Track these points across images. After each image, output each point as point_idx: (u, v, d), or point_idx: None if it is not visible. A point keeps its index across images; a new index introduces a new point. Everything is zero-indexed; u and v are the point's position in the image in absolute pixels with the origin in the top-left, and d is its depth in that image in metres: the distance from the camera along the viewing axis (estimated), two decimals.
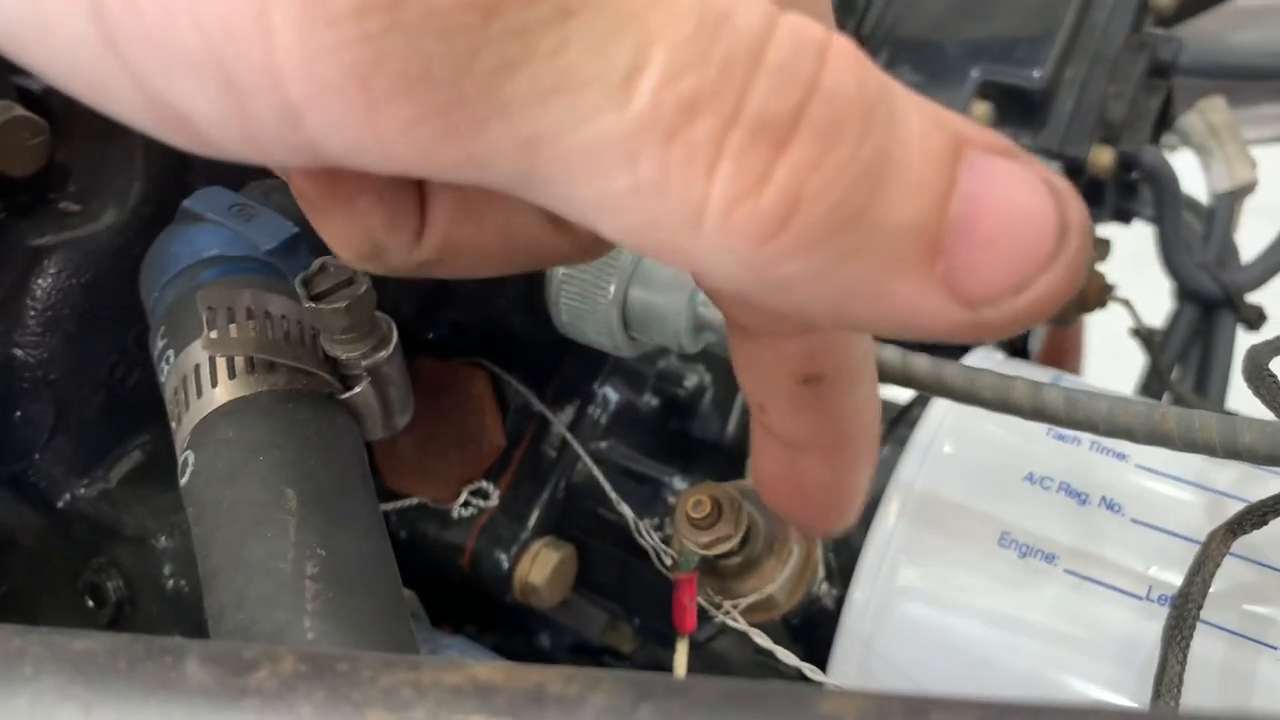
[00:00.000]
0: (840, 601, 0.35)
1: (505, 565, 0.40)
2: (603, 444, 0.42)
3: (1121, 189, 0.54)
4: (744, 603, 0.35)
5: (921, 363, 0.33)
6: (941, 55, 0.51)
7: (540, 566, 0.40)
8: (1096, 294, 0.50)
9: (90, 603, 0.33)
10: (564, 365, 0.42)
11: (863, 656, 0.34)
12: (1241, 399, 0.36)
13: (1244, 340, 0.54)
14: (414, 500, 0.40)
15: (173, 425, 0.28)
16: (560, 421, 0.41)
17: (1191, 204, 0.59)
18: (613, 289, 0.35)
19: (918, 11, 0.52)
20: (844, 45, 0.15)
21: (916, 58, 0.51)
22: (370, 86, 0.14)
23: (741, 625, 0.34)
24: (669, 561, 0.36)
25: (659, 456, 0.42)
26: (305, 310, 0.27)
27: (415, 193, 0.20)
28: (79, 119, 0.34)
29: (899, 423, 0.40)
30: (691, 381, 0.45)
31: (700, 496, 0.34)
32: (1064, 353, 0.74)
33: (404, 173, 0.16)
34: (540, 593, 0.39)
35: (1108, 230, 0.58)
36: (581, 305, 0.36)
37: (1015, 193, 0.15)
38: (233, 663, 0.15)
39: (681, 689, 0.14)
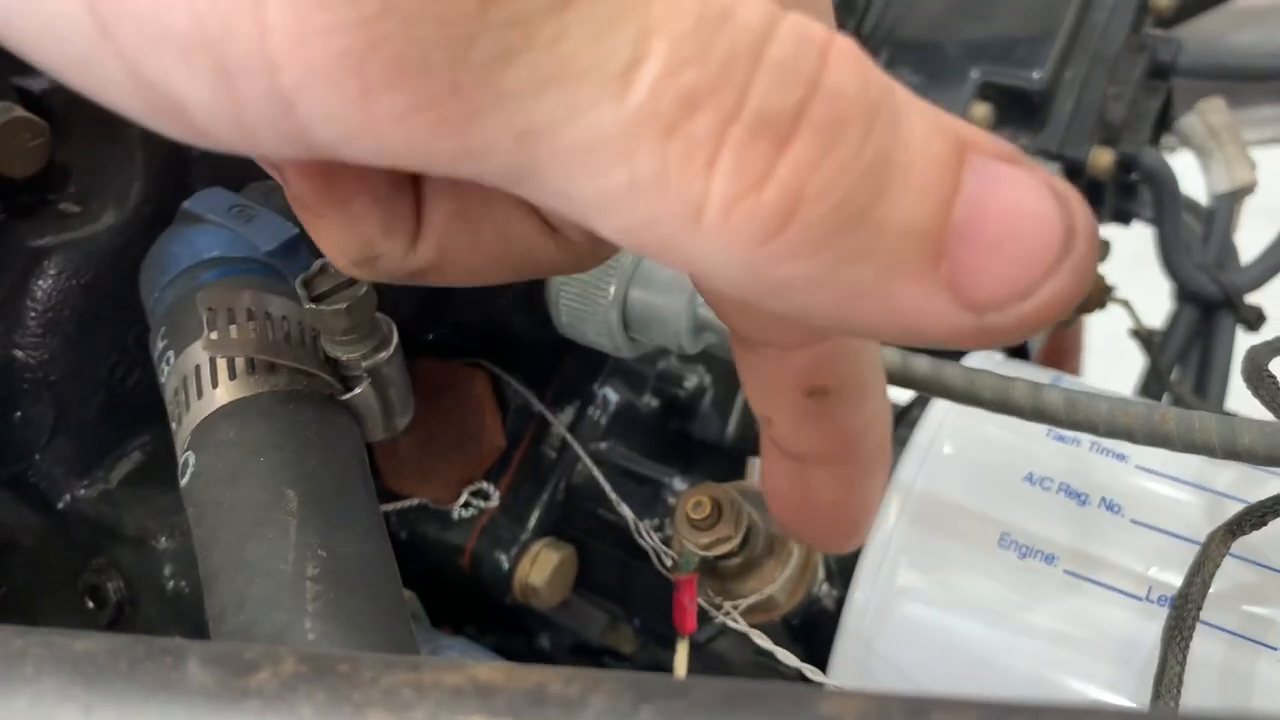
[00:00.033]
0: (840, 602, 0.35)
1: (505, 566, 0.40)
2: (603, 445, 0.42)
3: (1121, 190, 0.54)
4: (744, 603, 0.35)
5: (921, 363, 0.33)
6: (941, 56, 0.51)
7: (540, 567, 0.40)
8: (1096, 295, 0.50)
9: (90, 604, 0.33)
10: (564, 366, 0.42)
11: (863, 657, 0.35)
12: (1241, 400, 0.36)
13: (1243, 341, 0.54)
14: (414, 501, 0.40)
15: (173, 426, 0.28)
16: (560, 422, 0.41)
17: (1191, 205, 0.59)
18: (613, 290, 0.35)
19: (918, 12, 0.52)
20: (846, 45, 0.15)
21: (916, 58, 0.51)
22: (364, 73, 0.14)
23: (742, 626, 0.34)
24: (669, 562, 0.36)
25: (659, 457, 0.42)
26: (306, 311, 0.27)
27: (411, 198, 0.20)
28: (79, 120, 0.34)
29: (899, 423, 0.40)
30: (691, 382, 0.45)
31: (700, 497, 0.34)
32: (1064, 353, 0.74)
33: (397, 164, 0.15)
34: (540, 593, 0.39)
35: (1107, 231, 0.58)
36: (581, 306, 0.36)
37: (1020, 197, 0.15)
38: (233, 664, 0.15)
39: (682, 690, 0.14)
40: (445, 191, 0.20)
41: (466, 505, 0.40)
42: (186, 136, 0.16)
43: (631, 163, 0.14)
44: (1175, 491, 0.34)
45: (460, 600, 0.42)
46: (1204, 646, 0.30)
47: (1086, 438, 0.35)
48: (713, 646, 0.39)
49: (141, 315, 0.32)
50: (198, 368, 0.27)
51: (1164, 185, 0.53)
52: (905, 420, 0.39)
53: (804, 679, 0.33)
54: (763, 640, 0.33)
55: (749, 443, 0.44)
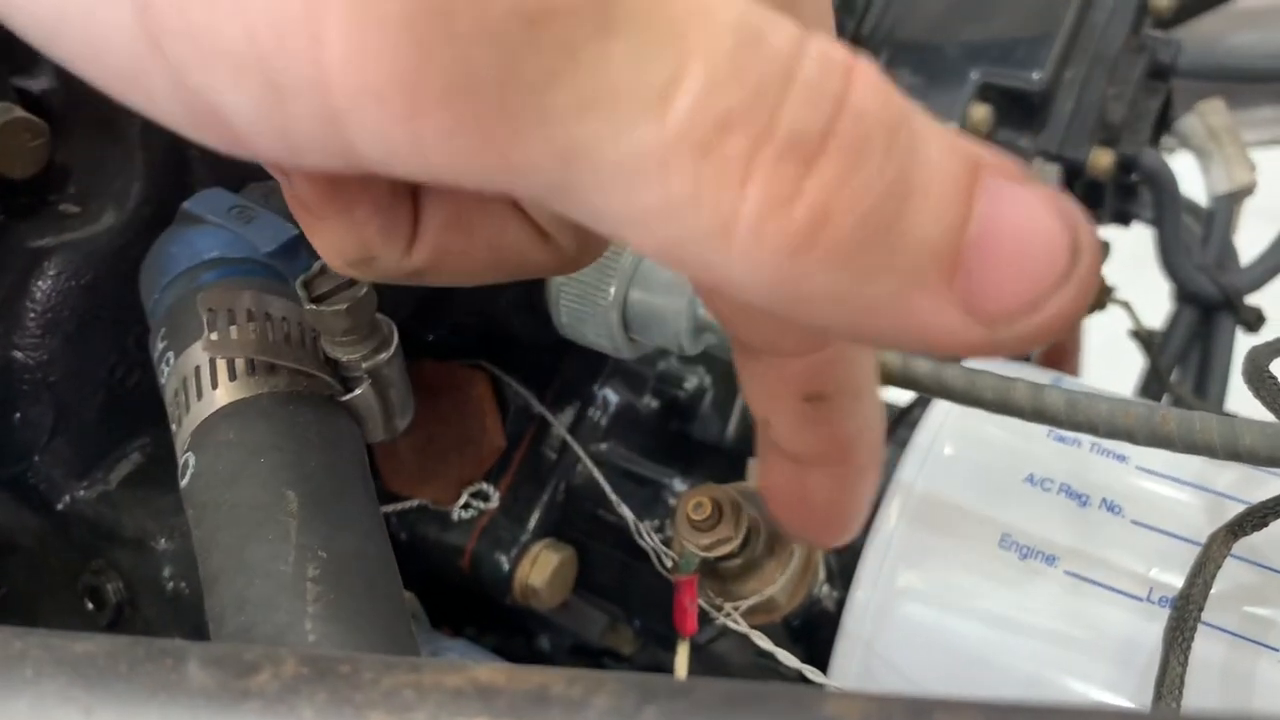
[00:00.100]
0: (841, 603, 0.35)
1: (505, 567, 0.40)
2: (603, 446, 0.42)
3: (1121, 191, 0.54)
4: (745, 605, 0.35)
5: (922, 364, 0.33)
6: (941, 57, 0.51)
7: (540, 568, 0.39)
8: (1096, 296, 0.50)
9: (90, 605, 0.33)
10: (564, 367, 0.42)
11: (863, 658, 0.34)
12: (1240, 401, 0.36)
13: (1243, 342, 0.54)
14: (414, 502, 0.40)
15: (173, 427, 0.28)
16: (560, 423, 0.41)
17: (1191, 206, 0.59)
18: (613, 291, 0.35)
19: (917, 13, 0.52)
20: (868, 66, 0.16)
21: (916, 59, 0.51)
22: (415, 93, 0.14)
23: (742, 627, 0.34)
24: (669, 563, 0.36)
25: (659, 458, 0.42)
26: (306, 312, 0.27)
27: (410, 202, 0.20)
28: (79, 121, 0.34)
29: (899, 424, 0.40)
30: (691, 383, 0.45)
31: (701, 498, 0.34)
32: (1063, 354, 0.74)
33: (438, 179, 0.16)
34: (540, 595, 0.39)
35: (1107, 232, 0.58)
36: (582, 307, 0.36)
37: (1030, 215, 0.16)
38: (234, 665, 0.15)
39: (684, 690, 0.14)
40: (442, 197, 0.21)
41: (466, 506, 0.40)
42: (226, 147, 0.16)
43: (666, 181, 0.15)
44: (1176, 492, 0.34)
45: (460, 601, 0.42)
46: (1205, 647, 0.30)
47: (1087, 439, 0.35)
48: (713, 648, 0.39)
49: (141, 316, 0.32)
50: (198, 369, 0.27)
51: (1164, 186, 0.53)
52: (906, 421, 0.39)
53: (804, 680, 0.33)
54: (763, 641, 0.33)
55: (749, 444, 0.44)
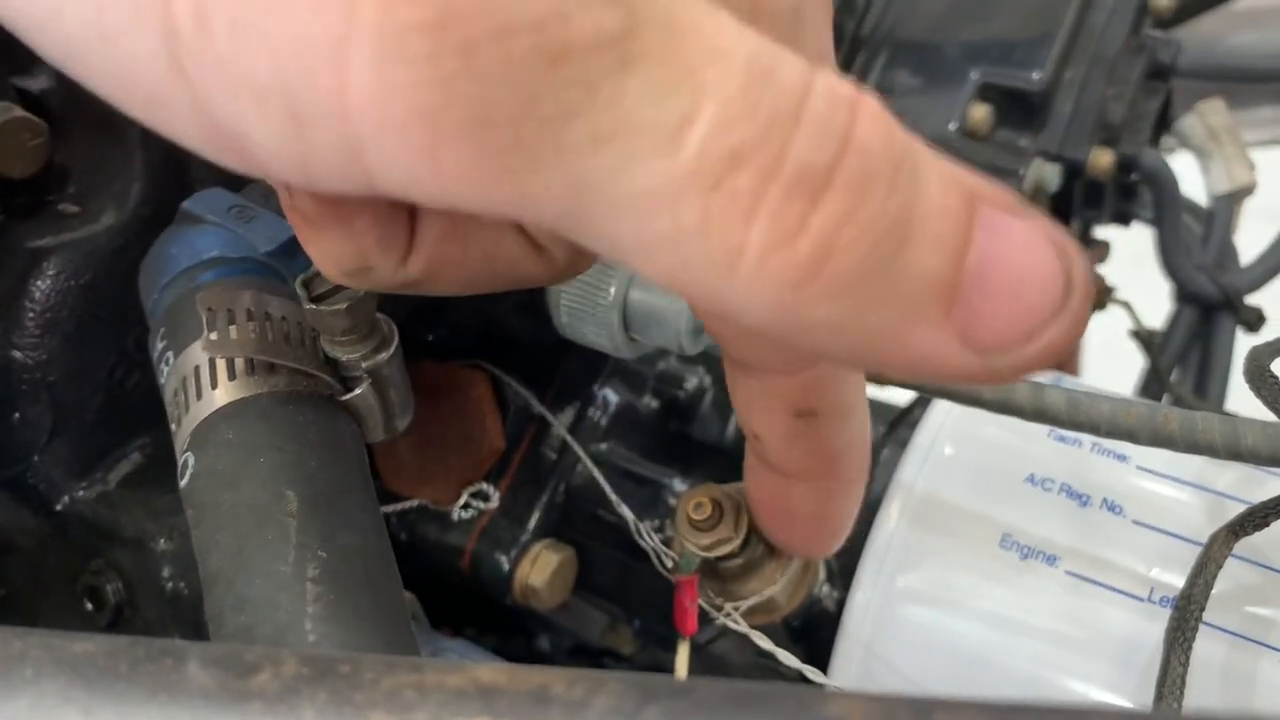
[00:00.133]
0: (841, 603, 0.35)
1: (505, 567, 0.40)
2: (603, 446, 0.42)
3: (1121, 191, 0.54)
4: (745, 605, 0.34)
5: None
6: (941, 57, 0.51)
7: (540, 569, 0.39)
8: (1096, 296, 0.50)
9: (89, 605, 0.33)
10: (564, 367, 0.42)
11: (863, 659, 0.34)
12: (1240, 401, 0.36)
13: (1243, 342, 0.54)
14: (414, 502, 0.40)
15: (172, 427, 0.28)
16: (560, 423, 0.41)
17: (1190, 206, 0.59)
18: (613, 291, 0.35)
19: (917, 13, 0.52)
20: (871, 101, 0.16)
21: (916, 59, 0.51)
22: (436, 127, 0.15)
23: (743, 627, 0.34)
24: (670, 563, 0.35)
25: (659, 458, 0.42)
26: (306, 312, 0.27)
27: (407, 215, 0.21)
28: (78, 120, 0.34)
29: (899, 424, 0.40)
30: (691, 383, 0.45)
31: (701, 498, 0.34)
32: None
33: (452, 206, 0.16)
34: (540, 595, 0.39)
35: (1107, 232, 0.58)
36: (582, 307, 0.36)
37: (1025, 248, 0.16)
38: (234, 665, 0.15)
39: (685, 690, 0.14)
40: (440, 212, 0.21)
41: (466, 506, 0.40)
42: (245, 169, 0.17)
43: (676, 212, 0.15)
44: (1177, 492, 0.34)
45: (460, 602, 0.42)
46: (1206, 647, 0.30)
47: (1087, 439, 0.35)
48: (713, 648, 0.39)
49: (141, 316, 0.32)
50: (197, 368, 0.27)
51: (1164, 186, 0.53)
52: (906, 421, 0.39)
53: (805, 680, 0.33)
54: (764, 641, 0.33)
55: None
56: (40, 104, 0.33)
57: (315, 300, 0.26)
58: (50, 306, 0.33)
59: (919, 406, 0.39)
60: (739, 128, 0.15)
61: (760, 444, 0.26)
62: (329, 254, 0.21)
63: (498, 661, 0.34)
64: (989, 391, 0.31)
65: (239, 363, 0.27)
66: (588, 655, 0.45)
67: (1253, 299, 0.57)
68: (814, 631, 0.37)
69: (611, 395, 0.43)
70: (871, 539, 0.35)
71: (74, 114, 0.33)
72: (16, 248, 0.33)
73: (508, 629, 0.46)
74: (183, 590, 0.32)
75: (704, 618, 0.34)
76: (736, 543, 0.34)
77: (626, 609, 0.42)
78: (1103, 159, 0.49)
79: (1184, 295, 0.57)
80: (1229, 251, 0.58)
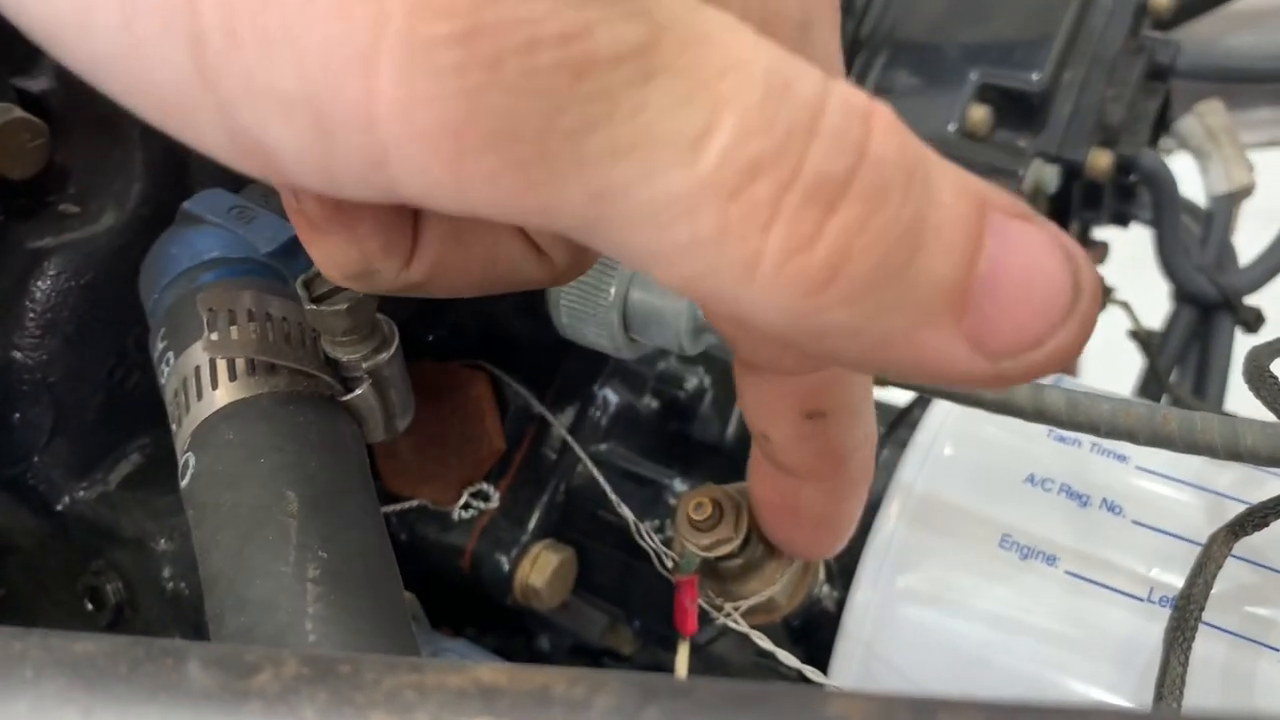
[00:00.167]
0: (841, 604, 0.35)
1: (505, 567, 0.40)
2: (603, 446, 0.42)
3: (1120, 192, 0.54)
4: (745, 605, 0.34)
5: None
6: (940, 57, 0.51)
7: (540, 569, 0.39)
8: None
9: (89, 606, 0.33)
10: (564, 367, 0.42)
11: (863, 659, 0.34)
12: (1240, 401, 0.36)
13: (1242, 342, 0.54)
14: (414, 502, 0.40)
15: (173, 427, 0.28)
16: (560, 423, 0.41)
17: (1189, 207, 0.59)
18: (613, 291, 0.35)
19: (916, 13, 0.52)
20: (886, 112, 0.16)
21: (915, 60, 0.51)
22: (461, 138, 0.15)
23: (743, 627, 0.34)
24: (670, 564, 0.35)
25: (659, 459, 0.42)
26: (306, 312, 0.27)
27: (410, 218, 0.21)
28: (78, 121, 0.34)
29: (899, 424, 0.40)
30: (691, 383, 0.45)
31: (701, 498, 0.34)
32: None
33: (473, 214, 0.16)
34: (540, 595, 0.39)
35: (1106, 233, 0.58)
36: (582, 307, 0.36)
37: (1034, 255, 0.17)
38: (235, 665, 0.15)
39: (686, 690, 0.14)
40: (443, 216, 0.21)
41: (466, 507, 0.40)
42: (265, 175, 0.17)
43: (695, 221, 0.16)
44: (1176, 493, 0.34)
45: (460, 602, 0.42)
46: (1206, 647, 0.30)
47: (1087, 439, 0.35)
48: (713, 648, 0.39)
49: (141, 317, 0.32)
50: (198, 369, 0.27)
51: (1162, 187, 0.53)
52: (906, 421, 0.39)
53: (805, 680, 0.33)
54: (764, 641, 0.33)
55: (749, 444, 0.44)
56: (40, 105, 0.33)
57: (316, 301, 0.26)
58: (51, 307, 0.33)
59: (919, 406, 0.39)
60: (757, 139, 0.15)
61: (769, 444, 0.26)
62: (332, 258, 0.21)
63: (498, 661, 0.34)
64: (989, 392, 0.31)
65: (240, 363, 0.27)
66: (588, 655, 0.45)
67: (1252, 299, 0.57)
68: (814, 631, 0.37)
69: (611, 395, 0.43)
70: (871, 539, 0.35)
71: (74, 115, 0.33)
72: (17, 248, 0.33)
73: (508, 629, 0.46)
74: (183, 590, 0.32)
75: (704, 618, 0.34)
76: (736, 543, 0.34)
77: (627, 609, 0.42)
78: (1101, 160, 0.49)
79: (1183, 296, 0.57)
80: (1228, 252, 0.58)
